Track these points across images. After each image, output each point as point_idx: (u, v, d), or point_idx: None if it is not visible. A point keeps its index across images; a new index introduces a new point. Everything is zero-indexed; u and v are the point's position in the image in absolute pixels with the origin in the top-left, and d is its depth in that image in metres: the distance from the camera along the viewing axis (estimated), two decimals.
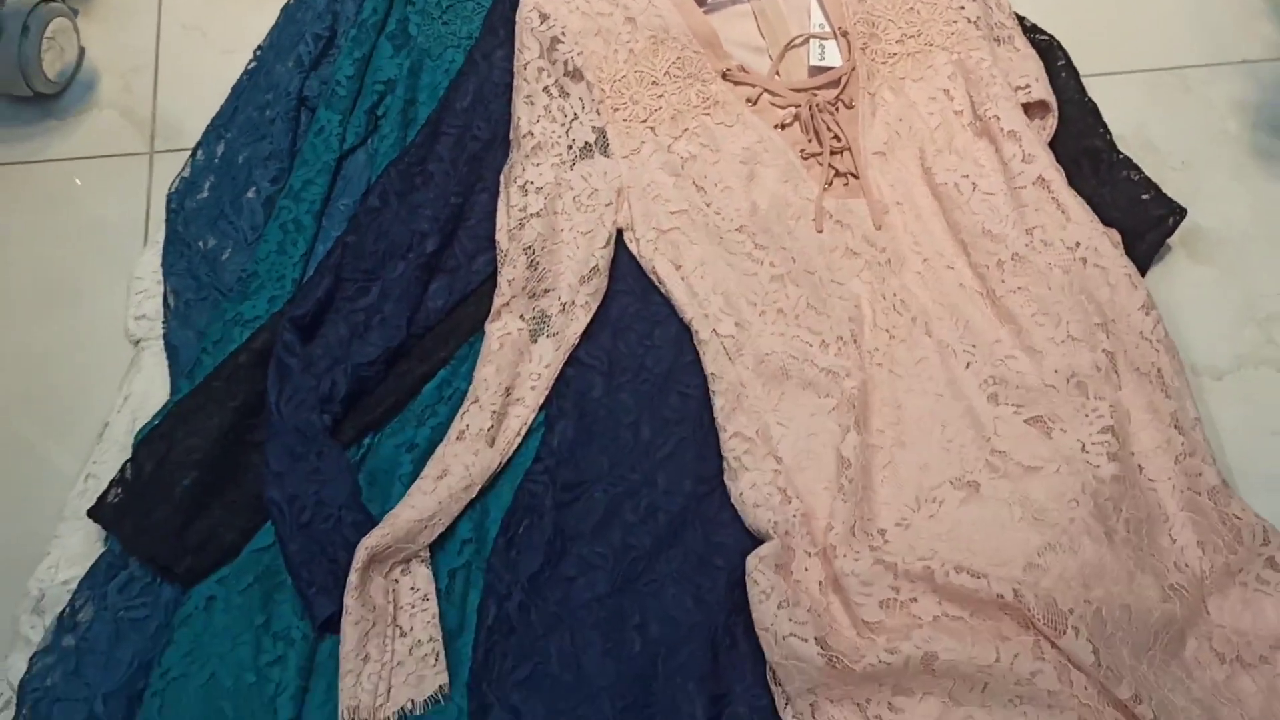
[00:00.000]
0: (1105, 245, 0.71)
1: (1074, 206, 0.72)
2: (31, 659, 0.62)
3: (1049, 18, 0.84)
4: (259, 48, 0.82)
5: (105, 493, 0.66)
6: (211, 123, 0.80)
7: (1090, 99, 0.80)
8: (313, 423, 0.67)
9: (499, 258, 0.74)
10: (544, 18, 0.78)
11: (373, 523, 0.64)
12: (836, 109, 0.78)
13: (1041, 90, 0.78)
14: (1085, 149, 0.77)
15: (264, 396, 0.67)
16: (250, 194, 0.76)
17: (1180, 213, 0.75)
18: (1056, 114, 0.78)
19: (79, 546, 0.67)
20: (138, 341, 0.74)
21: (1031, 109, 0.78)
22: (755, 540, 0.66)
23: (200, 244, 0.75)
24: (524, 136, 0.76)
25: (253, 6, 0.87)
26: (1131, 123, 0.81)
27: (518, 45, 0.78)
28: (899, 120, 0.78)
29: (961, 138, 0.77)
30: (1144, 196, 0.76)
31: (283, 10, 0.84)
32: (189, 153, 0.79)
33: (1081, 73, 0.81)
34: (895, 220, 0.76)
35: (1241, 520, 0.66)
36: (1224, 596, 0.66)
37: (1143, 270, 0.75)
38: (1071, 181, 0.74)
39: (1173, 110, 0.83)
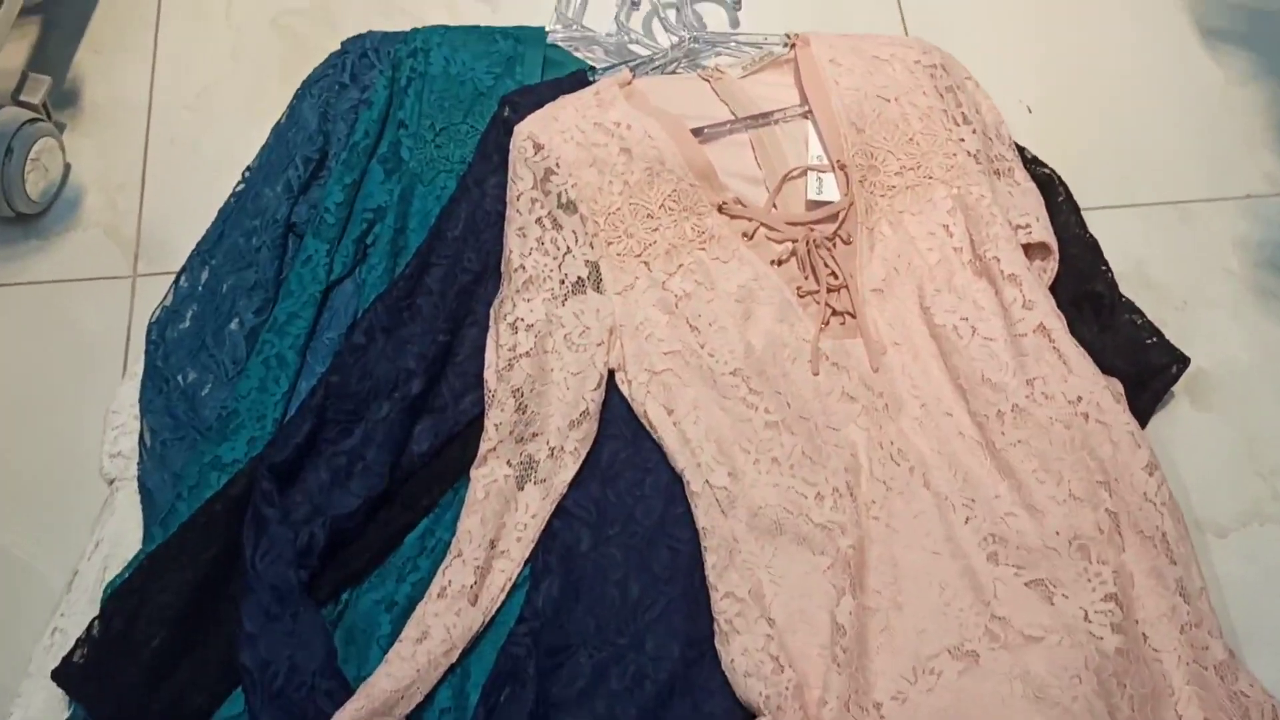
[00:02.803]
0: (1107, 400, 0.70)
1: (1075, 357, 0.71)
2: None
3: (1049, 149, 0.83)
4: (248, 169, 0.81)
5: (71, 652, 0.63)
6: (196, 247, 0.78)
7: (1091, 235, 0.79)
8: (289, 580, 0.64)
9: (487, 397, 0.72)
10: (538, 148, 0.76)
11: (348, 690, 0.62)
12: (834, 244, 0.77)
13: (1042, 231, 0.76)
14: (1087, 292, 0.76)
15: (239, 547, 0.65)
16: (233, 325, 0.74)
17: (1184, 361, 0.74)
18: (1057, 256, 0.76)
19: (41, 707, 0.64)
20: (112, 481, 0.72)
21: (1032, 249, 0.76)
22: (745, 711, 0.63)
23: (179, 378, 0.73)
24: (515, 270, 0.75)
25: (244, 122, 0.86)
26: (1131, 258, 0.80)
27: (510, 175, 0.77)
28: (897, 256, 0.77)
29: (961, 276, 0.75)
30: (1147, 342, 0.75)
31: (273, 130, 0.82)
32: (172, 277, 0.77)
33: (1081, 206, 0.80)
34: (893, 361, 0.74)
35: (1249, 698, 0.64)
36: None
37: (1145, 418, 0.74)
38: (1072, 326, 0.73)
39: (1173, 246, 0.82)
